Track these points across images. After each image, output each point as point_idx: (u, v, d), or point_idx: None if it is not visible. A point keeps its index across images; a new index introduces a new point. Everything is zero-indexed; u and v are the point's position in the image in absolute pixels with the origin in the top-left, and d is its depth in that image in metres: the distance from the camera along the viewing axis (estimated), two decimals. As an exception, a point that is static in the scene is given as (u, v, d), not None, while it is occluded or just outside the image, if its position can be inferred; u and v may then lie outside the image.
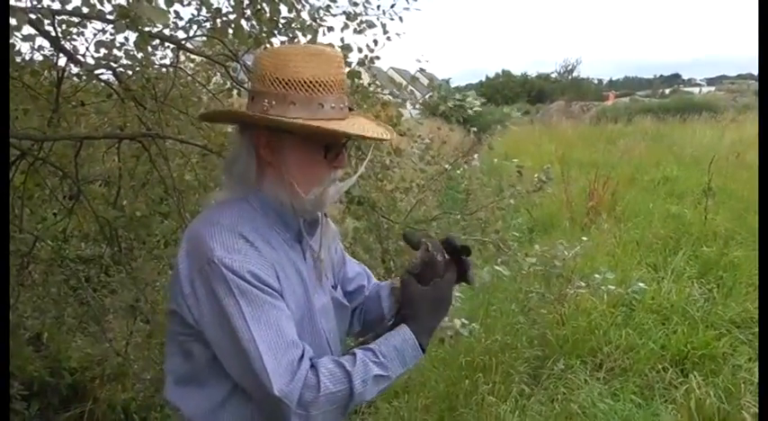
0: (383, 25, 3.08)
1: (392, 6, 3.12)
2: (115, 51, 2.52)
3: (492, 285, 3.86)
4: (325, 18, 2.95)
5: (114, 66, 2.50)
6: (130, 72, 2.66)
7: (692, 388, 3.08)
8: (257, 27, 2.58)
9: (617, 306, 4.32)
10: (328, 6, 2.96)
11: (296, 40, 2.66)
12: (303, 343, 1.14)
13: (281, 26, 2.62)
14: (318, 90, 1.18)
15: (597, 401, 3.25)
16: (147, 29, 2.27)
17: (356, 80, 2.72)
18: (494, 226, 3.12)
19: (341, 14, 3.01)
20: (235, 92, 2.97)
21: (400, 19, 3.17)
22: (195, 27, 2.66)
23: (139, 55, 2.50)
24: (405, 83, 3.63)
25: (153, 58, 2.62)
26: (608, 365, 3.66)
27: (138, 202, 2.86)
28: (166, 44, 2.68)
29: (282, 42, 2.60)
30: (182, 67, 2.91)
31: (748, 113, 25.57)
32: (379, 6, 3.10)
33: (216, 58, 2.68)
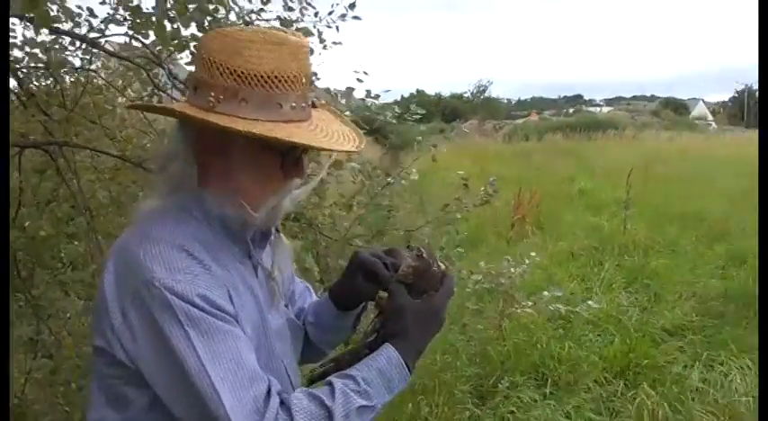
0: (320, 33, 2.90)
1: (330, 13, 2.94)
2: (16, 51, 2.22)
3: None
4: (257, 23, 2.74)
5: (17, 67, 2.19)
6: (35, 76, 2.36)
7: (644, 400, 3.05)
8: (182, 28, 2.34)
9: (554, 319, 4.29)
10: (261, 9, 2.76)
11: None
12: (269, 376, 0.95)
13: (207, 27, 2.39)
14: (278, 86, 0.99)
15: (545, 418, 3.16)
16: (55, 25, 1.99)
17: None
18: (439, 242, 2.99)
19: (275, 20, 2.81)
20: (156, 99, 2.70)
21: (337, 29, 3.00)
22: (113, 26, 2.38)
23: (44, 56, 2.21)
24: (338, 94, 3.44)
25: (61, 58, 2.31)
26: (552, 379, 3.59)
27: (42, 221, 2.53)
28: (78, 45, 2.38)
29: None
30: (94, 70, 2.61)
31: (647, 131, 27.36)
32: (317, 14, 2.91)
33: (136, 61, 2.41)
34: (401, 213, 3.88)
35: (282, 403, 0.92)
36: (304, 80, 1.03)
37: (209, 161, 1.03)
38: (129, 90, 2.92)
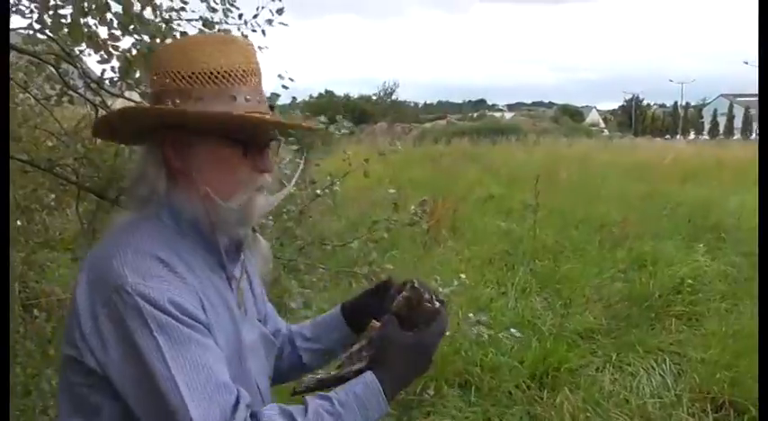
0: (245, 37, 2.77)
1: (255, 17, 2.82)
2: None
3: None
4: (179, 23, 2.58)
5: None
6: None
7: (563, 404, 3.14)
8: (97, 26, 2.15)
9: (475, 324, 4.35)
10: (182, 8, 2.59)
11: (142, 41, 2.27)
12: (238, 387, 0.94)
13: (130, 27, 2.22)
14: (229, 81, 1.01)
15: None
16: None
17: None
18: (368, 257, 2.94)
19: (197, 20, 2.65)
20: (66, 99, 2.48)
21: (263, 32, 2.88)
22: (16, 18, 2.15)
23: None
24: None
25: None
26: (477, 386, 3.63)
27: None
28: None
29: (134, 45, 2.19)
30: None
31: (548, 136, 28.68)
32: (241, 16, 2.78)
33: (44, 56, 2.19)
34: (316, 218, 3.81)
35: (253, 416, 0.91)
36: (255, 76, 1.05)
37: (176, 169, 1.03)
38: (34, 87, 2.67)
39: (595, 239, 7.04)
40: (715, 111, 79.38)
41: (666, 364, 3.80)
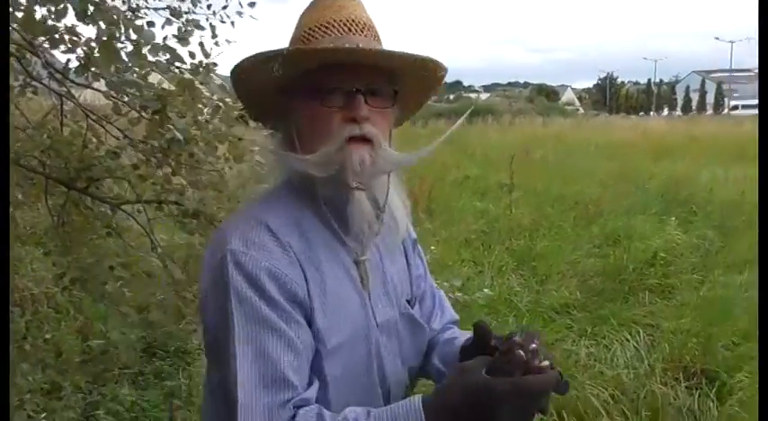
0: (213, 27, 2.73)
1: (224, 8, 2.78)
2: None
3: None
4: (144, 11, 2.55)
5: None
6: None
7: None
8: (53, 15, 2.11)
9: (454, 305, 4.40)
10: (147, -5, 2.56)
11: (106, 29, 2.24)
12: (298, 384, 0.90)
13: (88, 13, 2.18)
14: (340, 29, 1.00)
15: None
16: None
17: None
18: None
19: (164, 9, 2.62)
20: (30, 91, 2.44)
21: (232, 24, 2.85)
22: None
23: None
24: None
25: None
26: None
27: None
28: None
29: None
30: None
31: (523, 117, 28.82)
32: (210, 6, 2.73)
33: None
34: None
35: (294, 417, 0.87)
36: (371, 29, 1.04)
37: (288, 131, 1.03)
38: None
39: (570, 217, 7.13)
40: (687, 87, 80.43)
41: (640, 336, 3.88)
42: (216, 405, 1.00)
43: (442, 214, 7.91)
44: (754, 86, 77.57)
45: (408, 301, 1.14)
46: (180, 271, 2.66)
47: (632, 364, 3.56)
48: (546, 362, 0.86)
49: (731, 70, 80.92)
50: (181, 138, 2.25)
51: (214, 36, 2.65)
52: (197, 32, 2.57)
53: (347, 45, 0.97)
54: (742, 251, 5.28)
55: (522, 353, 0.85)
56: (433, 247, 3.43)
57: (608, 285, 4.89)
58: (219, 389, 0.95)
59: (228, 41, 2.72)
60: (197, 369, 3.33)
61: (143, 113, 2.27)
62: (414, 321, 1.12)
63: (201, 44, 2.51)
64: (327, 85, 0.97)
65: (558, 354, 3.69)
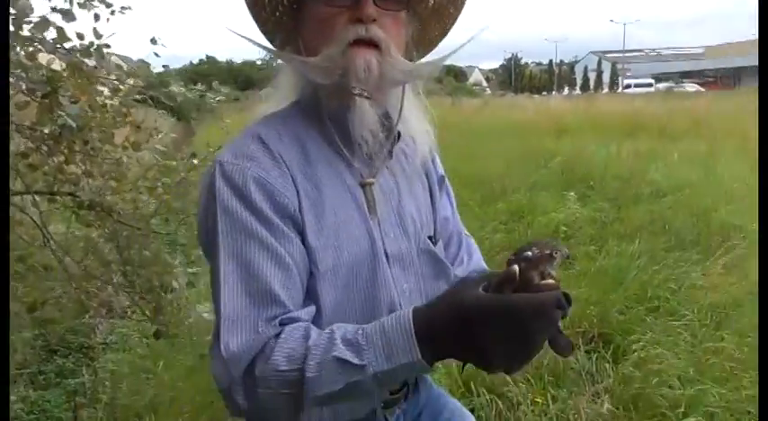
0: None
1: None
2: None
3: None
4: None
5: None
6: None
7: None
8: None
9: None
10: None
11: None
12: (286, 301, 0.84)
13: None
14: None
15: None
16: None
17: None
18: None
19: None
20: None
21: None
22: None
23: None
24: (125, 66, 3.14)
25: None
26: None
27: None
28: None
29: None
30: None
31: (433, 97, 29.13)
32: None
33: None
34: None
35: (280, 333, 0.82)
36: None
37: (296, 40, 0.99)
38: None
39: (478, 195, 7.35)
40: (586, 67, 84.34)
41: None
42: None
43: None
44: (646, 66, 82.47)
45: (430, 238, 1.05)
46: (76, 265, 2.54)
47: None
48: (549, 281, 0.76)
49: (624, 51, 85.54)
50: (73, 124, 2.13)
51: (108, 5, 2.47)
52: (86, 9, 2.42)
53: None
54: (633, 222, 5.64)
55: (516, 267, 0.76)
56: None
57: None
58: None
59: (123, 9, 2.52)
60: (102, 365, 3.21)
61: (32, 97, 2.13)
62: (435, 259, 1.04)
63: (96, 16, 2.35)
64: None
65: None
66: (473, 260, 1.16)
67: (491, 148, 10.71)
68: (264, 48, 1.02)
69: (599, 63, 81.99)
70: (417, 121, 1.05)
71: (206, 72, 46.83)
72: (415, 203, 1.05)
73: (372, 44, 0.90)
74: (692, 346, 3.15)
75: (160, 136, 2.74)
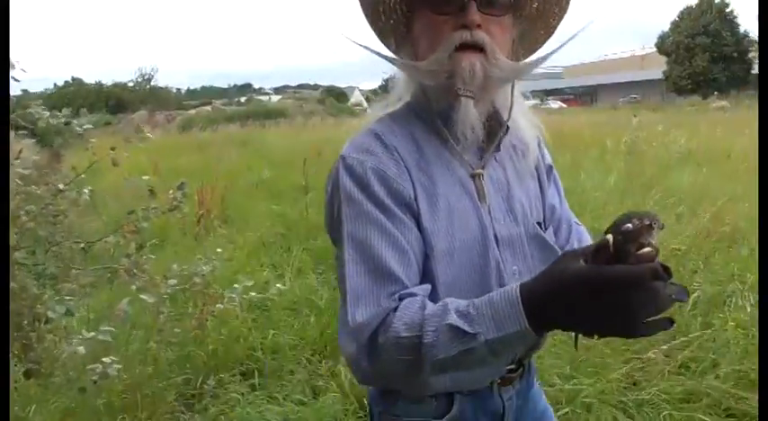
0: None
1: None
2: None
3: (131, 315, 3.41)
4: None
5: None
6: None
7: (342, 372, 3.31)
8: None
9: (253, 309, 4.37)
10: None
11: None
12: (404, 279, 0.94)
13: None
14: None
15: (255, 410, 3.20)
16: None
17: None
18: (126, 250, 2.75)
19: None
20: None
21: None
22: None
23: None
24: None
25: None
26: (259, 370, 3.65)
27: None
28: None
29: None
30: None
31: (314, 117, 29.32)
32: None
33: None
34: (73, 219, 3.48)
35: (398, 307, 0.90)
36: None
37: (407, 45, 1.10)
38: None
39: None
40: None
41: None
42: None
43: (238, 219, 7.78)
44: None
45: (540, 225, 1.13)
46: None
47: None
48: (647, 250, 0.74)
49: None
50: None
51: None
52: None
53: None
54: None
55: (610, 236, 0.75)
56: (219, 249, 3.36)
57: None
58: None
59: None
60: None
61: None
62: (544, 244, 1.10)
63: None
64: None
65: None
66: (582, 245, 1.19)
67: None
68: (378, 54, 1.09)
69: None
70: (524, 116, 1.14)
71: (72, 95, 44.02)
72: (525, 192, 1.13)
73: (477, 48, 0.99)
74: (569, 346, 3.36)
75: (17, 161, 2.54)
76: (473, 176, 1.05)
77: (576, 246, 1.18)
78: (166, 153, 15.58)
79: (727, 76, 45.92)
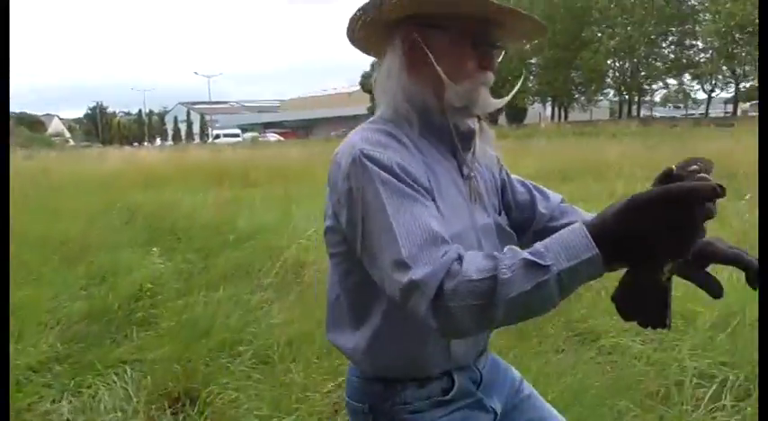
0: None
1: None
2: None
3: None
4: None
5: None
6: None
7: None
8: None
9: None
10: None
11: None
12: (449, 241, 0.95)
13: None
14: None
15: None
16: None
17: None
18: None
19: None
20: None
21: None
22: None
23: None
24: None
25: None
26: None
27: None
28: None
29: None
30: None
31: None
32: None
33: None
34: None
35: (459, 258, 0.92)
36: None
37: (414, 59, 1.14)
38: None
39: (54, 259, 6.55)
40: (176, 117, 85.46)
41: (128, 375, 3.79)
42: (360, 301, 1.14)
43: None
44: (232, 117, 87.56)
45: (499, 213, 1.29)
46: None
47: (120, 407, 3.44)
48: (705, 175, 0.84)
49: (211, 102, 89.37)
50: None
51: None
52: None
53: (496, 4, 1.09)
54: (219, 269, 5.75)
55: (673, 166, 0.86)
56: None
57: (94, 328, 4.51)
58: (361, 287, 1.10)
59: None
60: None
61: None
62: (504, 230, 1.25)
63: None
64: (482, 35, 1.13)
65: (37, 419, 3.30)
66: (549, 196, 1.39)
67: (72, 204, 9.73)
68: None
69: (188, 114, 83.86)
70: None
71: None
72: (486, 184, 1.29)
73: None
74: (272, 386, 3.31)
75: None
76: (467, 178, 1.21)
77: (539, 199, 1.38)
78: None
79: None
